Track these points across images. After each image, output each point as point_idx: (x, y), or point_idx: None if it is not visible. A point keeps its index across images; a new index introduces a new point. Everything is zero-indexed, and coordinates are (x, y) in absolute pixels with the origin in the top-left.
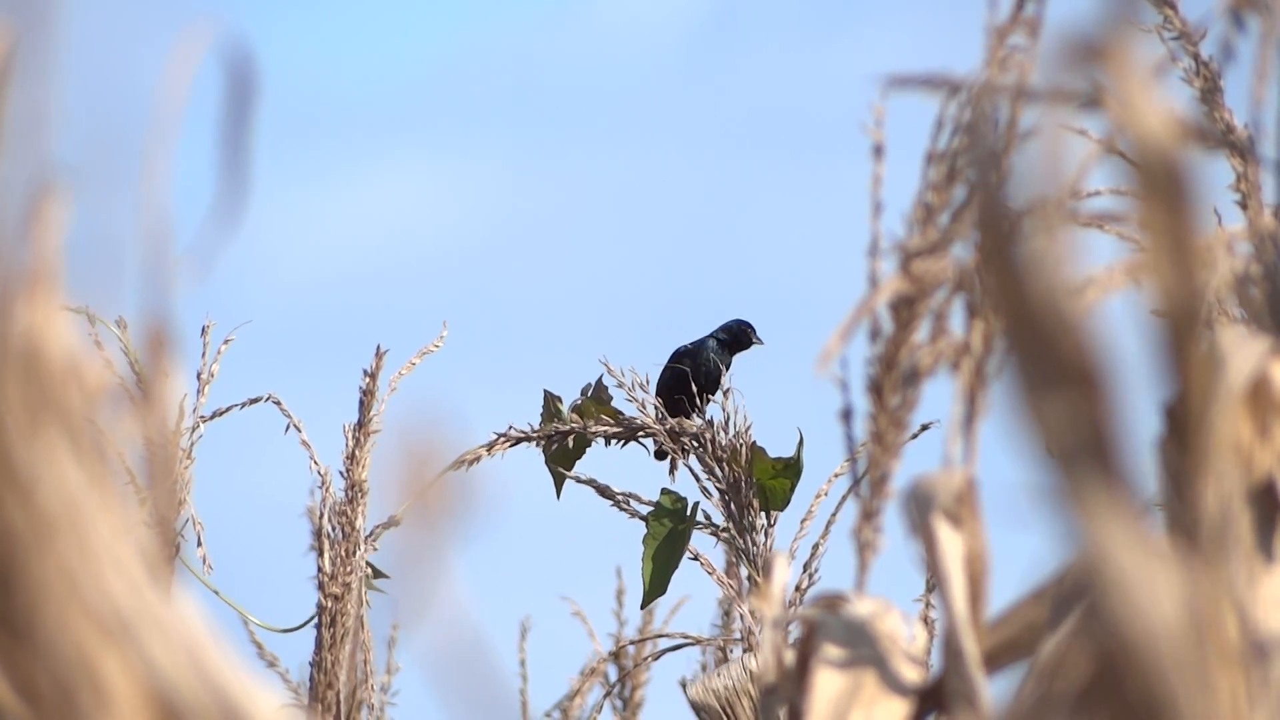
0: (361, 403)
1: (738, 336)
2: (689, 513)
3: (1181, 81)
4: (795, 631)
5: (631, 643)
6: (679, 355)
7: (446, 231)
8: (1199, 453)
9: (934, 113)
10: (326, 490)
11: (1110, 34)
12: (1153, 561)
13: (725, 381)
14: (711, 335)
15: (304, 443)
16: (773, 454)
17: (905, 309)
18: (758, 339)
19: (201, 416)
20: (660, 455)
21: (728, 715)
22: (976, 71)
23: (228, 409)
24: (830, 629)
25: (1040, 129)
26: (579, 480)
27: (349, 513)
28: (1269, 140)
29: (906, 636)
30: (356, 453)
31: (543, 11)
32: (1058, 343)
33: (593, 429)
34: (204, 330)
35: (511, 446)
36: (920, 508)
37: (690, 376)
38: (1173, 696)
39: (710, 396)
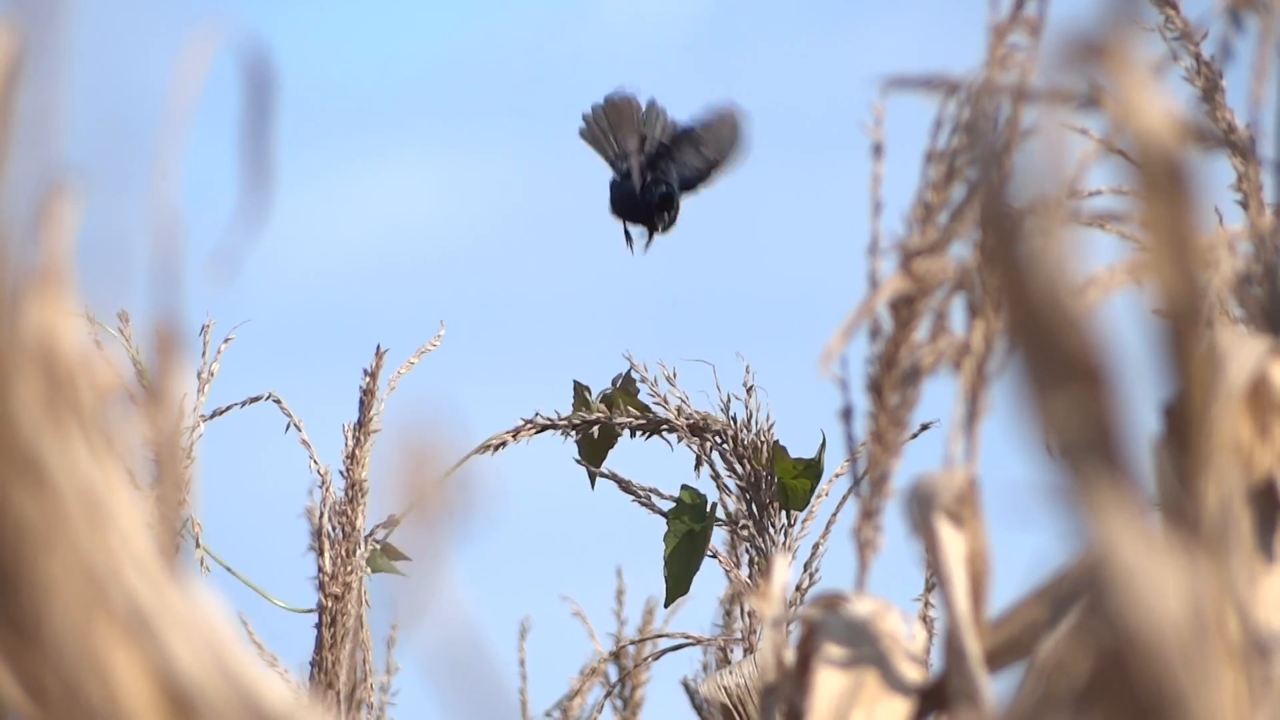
0: (361, 402)
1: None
2: (709, 510)
3: (1183, 81)
4: (796, 631)
5: (632, 643)
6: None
7: (450, 229)
8: (1199, 452)
9: (934, 111)
10: (326, 490)
11: (1110, 33)
12: (1159, 557)
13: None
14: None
15: (304, 442)
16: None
17: (905, 308)
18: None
19: (201, 415)
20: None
21: (738, 712)
22: (976, 70)
23: (228, 408)
24: (831, 628)
25: (1040, 128)
26: (602, 474)
27: (349, 512)
28: (1269, 140)
29: (906, 636)
30: (356, 452)
31: (547, 8)
32: (1061, 338)
33: (618, 421)
34: (204, 329)
35: (537, 434)
36: (921, 507)
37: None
38: (1180, 692)
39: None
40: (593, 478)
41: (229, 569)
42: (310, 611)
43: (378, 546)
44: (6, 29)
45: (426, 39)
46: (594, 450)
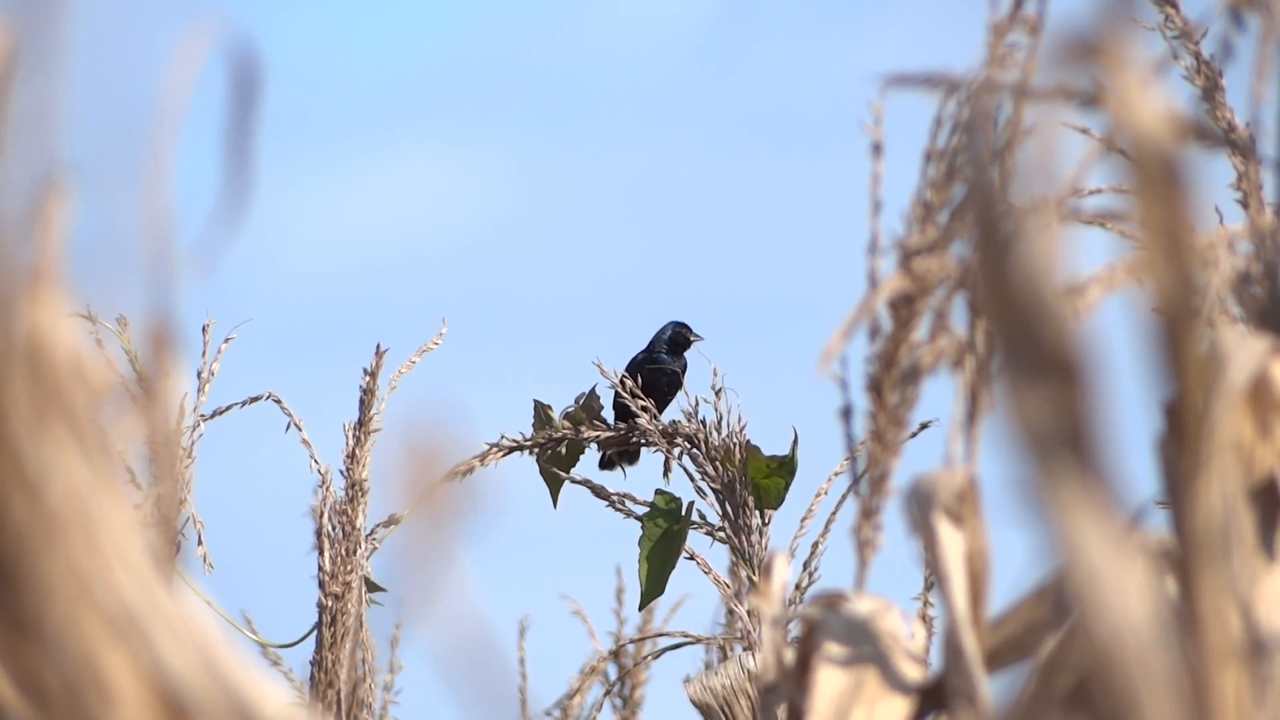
0: (362, 401)
1: (676, 340)
2: (684, 513)
3: (1183, 80)
4: (795, 630)
5: (631, 641)
6: (635, 365)
7: (454, 225)
8: (1200, 451)
9: (935, 110)
10: (327, 489)
11: (1107, 32)
12: (1124, 558)
13: (683, 383)
14: (654, 345)
15: (304, 441)
16: (769, 452)
17: (905, 307)
18: (695, 335)
19: (202, 415)
20: (605, 465)
21: (726, 714)
22: (976, 69)
23: (228, 408)
24: (831, 627)
25: (1037, 127)
26: (574, 480)
27: (349, 512)
28: (1269, 139)
29: (906, 635)
30: (357, 451)
31: (552, 6)
32: (1040, 335)
33: (586, 434)
34: (205, 329)
35: (504, 456)
36: (921, 506)
37: (655, 380)
38: (1137, 696)
39: (671, 399)
40: (555, 493)
41: (209, 602)
42: (294, 644)
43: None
44: (2, 29)
45: (431, 36)
46: (563, 462)
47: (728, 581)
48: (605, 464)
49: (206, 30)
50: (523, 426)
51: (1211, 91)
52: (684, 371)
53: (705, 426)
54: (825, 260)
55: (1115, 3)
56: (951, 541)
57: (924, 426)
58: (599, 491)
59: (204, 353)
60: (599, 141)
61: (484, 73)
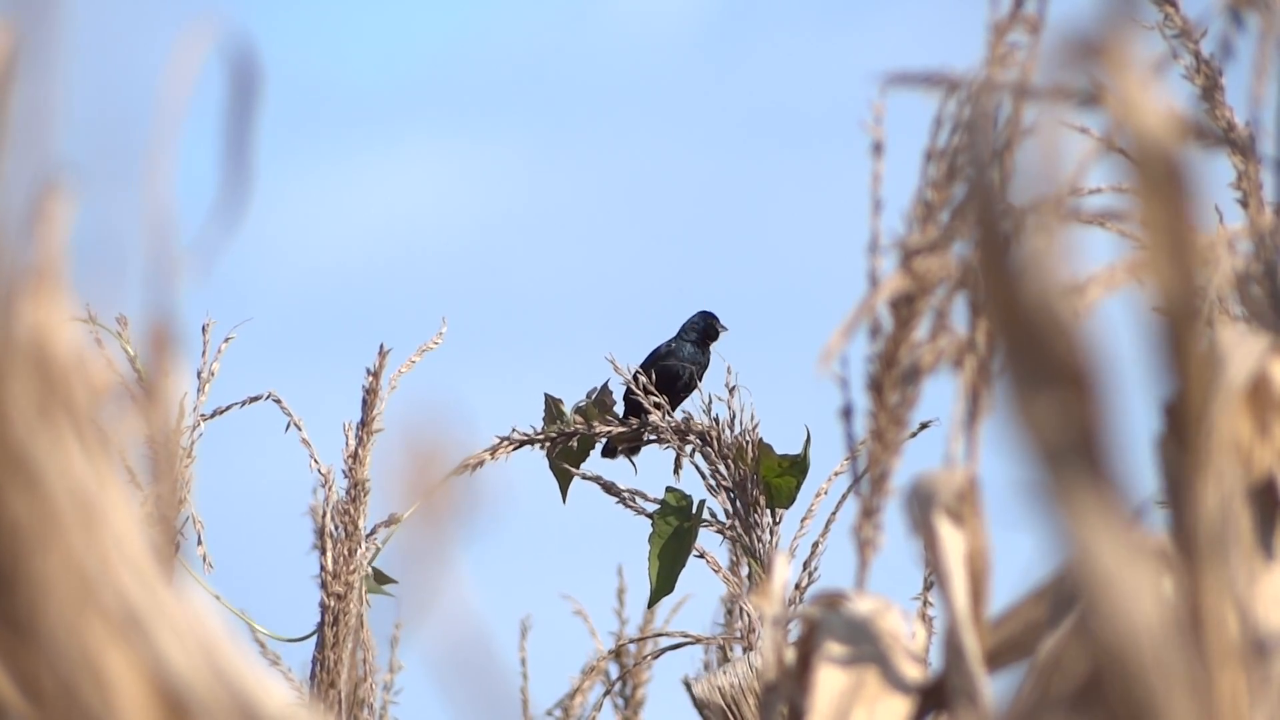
0: (364, 401)
1: (705, 331)
2: (695, 510)
3: (1182, 79)
4: (796, 630)
5: (633, 641)
6: (658, 355)
7: (455, 224)
8: (1199, 451)
9: (935, 110)
10: (329, 489)
11: (1109, 31)
12: (1136, 562)
13: (700, 381)
14: (683, 335)
15: (304, 441)
16: (781, 451)
17: (905, 306)
18: (722, 326)
19: (202, 415)
20: (608, 453)
21: (733, 713)
22: (976, 69)
23: (228, 407)
24: (831, 627)
25: (1039, 126)
26: (585, 477)
27: (351, 511)
28: (1269, 138)
29: (907, 634)
30: (359, 451)
31: (555, 4)
32: (1048, 342)
33: (598, 430)
34: (204, 328)
35: (515, 450)
36: (921, 506)
37: (674, 375)
38: (1154, 698)
39: (686, 396)
40: (565, 488)
41: (217, 596)
42: (301, 640)
43: (369, 572)
44: (2, 29)
45: (434, 33)
46: (568, 457)
47: (734, 580)
48: (608, 452)
49: (206, 30)
50: (524, 426)
51: (1211, 91)
52: (705, 367)
53: (718, 424)
54: (826, 259)
55: (1115, 2)
56: (952, 541)
57: (924, 426)
58: (609, 488)
59: (204, 352)
60: (601, 140)
61: (486, 71)
